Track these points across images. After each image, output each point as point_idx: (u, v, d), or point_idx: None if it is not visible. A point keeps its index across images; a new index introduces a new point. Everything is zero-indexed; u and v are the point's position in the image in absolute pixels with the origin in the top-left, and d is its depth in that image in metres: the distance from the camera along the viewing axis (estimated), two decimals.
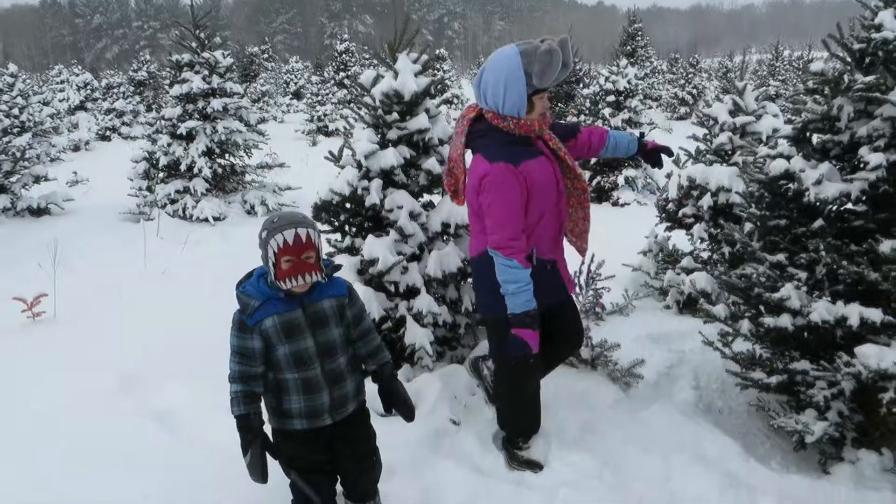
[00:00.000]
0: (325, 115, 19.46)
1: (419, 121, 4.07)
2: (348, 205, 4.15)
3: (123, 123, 20.90)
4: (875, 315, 3.30)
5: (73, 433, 3.68)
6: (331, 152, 4.38)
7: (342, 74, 23.63)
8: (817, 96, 3.71)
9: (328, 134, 19.34)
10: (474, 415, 3.89)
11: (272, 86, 31.74)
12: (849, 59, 3.64)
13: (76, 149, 18.26)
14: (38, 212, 9.10)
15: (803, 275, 3.61)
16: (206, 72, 8.78)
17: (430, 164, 4.11)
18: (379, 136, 4.14)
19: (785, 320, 3.52)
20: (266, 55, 40.29)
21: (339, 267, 2.71)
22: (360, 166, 4.06)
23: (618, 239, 7.48)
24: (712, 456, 3.56)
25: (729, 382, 4.19)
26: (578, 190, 3.37)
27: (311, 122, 19.46)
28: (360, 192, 4.04)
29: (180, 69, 8.81)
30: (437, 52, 27.62)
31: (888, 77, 3.40)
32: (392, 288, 4.03)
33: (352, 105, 4.55)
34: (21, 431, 3.73)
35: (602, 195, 10.65)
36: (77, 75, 25.31)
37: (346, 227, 4.36)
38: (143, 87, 27.04)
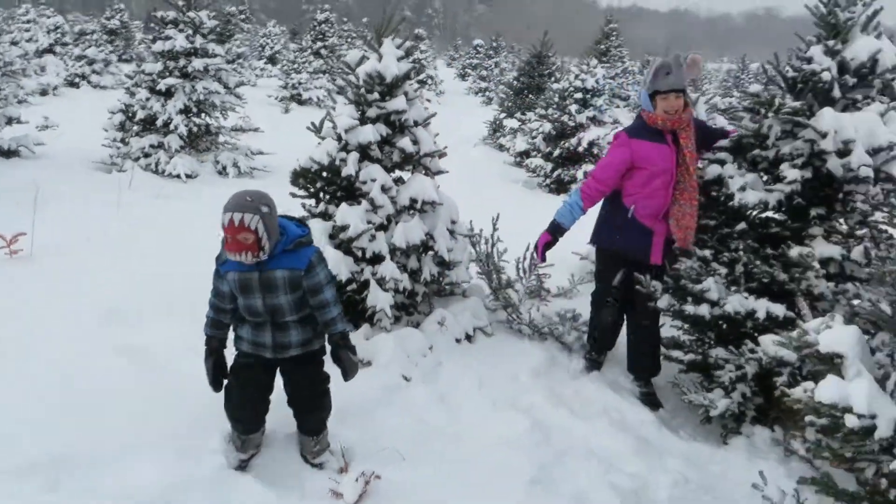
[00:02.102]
0: (300, 83, 19.55)
1: (397, 102, 4.42)
2: (325, 174, 4.49)
3: (94, 72, 20.62)
4: (779, 310, 3.81)
5: (51, 364, 3.96)
6: (313, 123, 4.70)
7: (319, 44, 23.61)
8: (752, 115, 4.18)
9: (301, 102, 19.43)
10: (424, 374, 4.30)
11: (247, 48, 31.45)
12: (782, 85, 4.13)
13: (44, 93, 18.01)
14: (9, 153, 9.17)
15: (724, 270, 4.10)
16: (191, 31, 8.93)
17: (404, 143, 4.47)
18: (359, 112, 4.48)
19: (703, 309, 4.00)
20: (244, 16, 39.78)
21: (303, 242, 3.02)
22: (339, 139, 4.41)
23: (575, 228, 7.96)
24: (630, 422, 4.05)
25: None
26: (689, 187, 4.08)
27: (284, 88, 19.52)
28: (337, 162, 4.38)
29: (164, 25, 8.95)
30: (416, 31, 27.78)
31: (814, 104, 3.89)
32: (360, 253, 4.39)
33: (335, 81, 4.86)
34: None
35: (561, 187, 11.12)
36: (48, 17, 24.77)
37: (321, 195, 4.70)
38: (115, 35, 26.58)
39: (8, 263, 5.35)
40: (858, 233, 4.02)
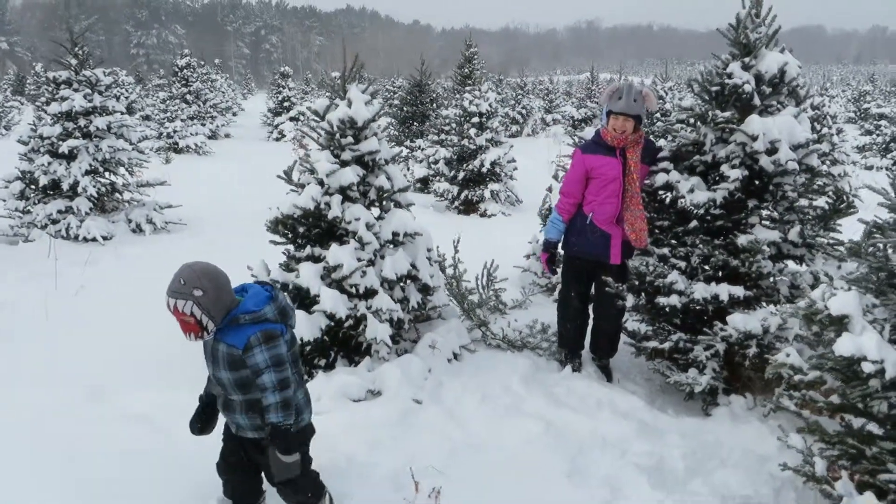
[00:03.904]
0: (174, 131, 18.99)
1: (371, 143, 4.67)
2: (309, 218, 4.63)
3: None
4: (739, 291, 4.39)
5: (55, 441, 3.85)
6: (284, 171, 4.83)
7: (184, 90, 23.00)
8: (688, 126, 4.79)
9: (178, 151, 18.85)
10: (431, 395, 4.53)
11: None
12: (707, 98, 4.75)
13: None
14: None
15: (682, 264, 4.65)
16: (88, 90, 8.63)
17: (381, 180, 4.72)
18: (334, 156, 4.67)
19: (674, 299, 4.52)
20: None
21: (251, 319, 2.80)
22: (321, 183, 4.58)
23: (491, 245, 8.44)
24: (625, 410, 4.48)
25: (621, 355, 5.18)
26: (635, 193, 4.65)
27: (159, 138, 18.89)
28: (322, 206, 4.55)
29: (57, 87, 8.59)
30: (282, 69, 27.67)
31: (734, 111, 4.53)
32: (353, 290, 4.57)
33: (301, 127, 5.01)
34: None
35: (470, 207, 11.63)
36: None
37: (299, 240, 4.83)
38: None
39: None
40: (787, 218, 4.70)
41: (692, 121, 4.74)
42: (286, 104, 26.03)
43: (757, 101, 4.52)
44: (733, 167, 4.47)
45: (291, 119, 25.19)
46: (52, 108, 8.46)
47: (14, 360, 4.88)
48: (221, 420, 3.17)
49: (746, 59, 4.54)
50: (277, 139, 24.86)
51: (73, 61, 8.67)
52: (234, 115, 36.53)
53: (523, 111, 30.24)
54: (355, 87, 4.72)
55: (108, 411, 4.29)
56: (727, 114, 4.44)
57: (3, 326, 5.42)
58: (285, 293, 3.10)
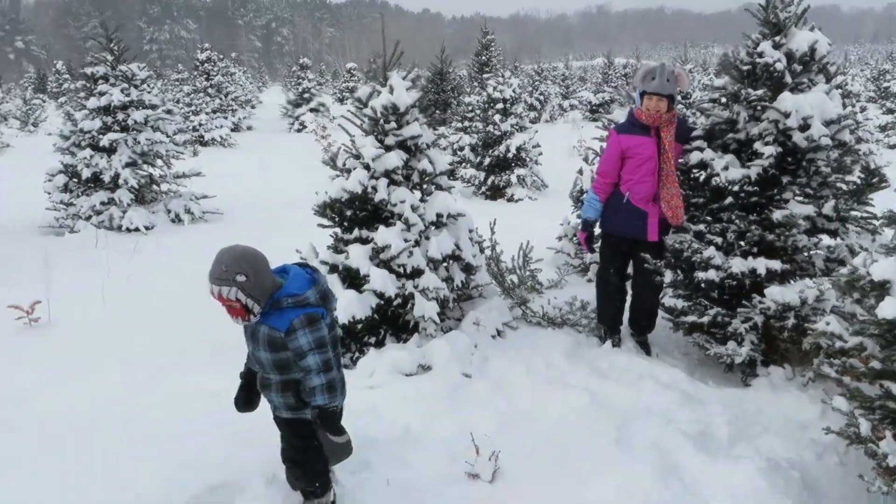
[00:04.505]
0: (200, 124, 19.28)
1: (412, 128, 4.84)
2: (356, 202, 4.83)
3: None
4: (776, 265, 4.53)
5: (131, 416, 4.10)
6: (331, 158, 5.02)
7: (206, 83, 23.28)
8: (720, 105, 4.92)
9: (204, 144, 19.14)
10: (478, 369, 4.72)
11: None
12: (738, 77, 4.87)
13: None
14: None
15: (718, 240, 4.79)
16: (125, 84, 8.88)
17: (424, 164, 4.90)
18: (378, 141, 4.86)
19: (712, 274, 4.66)
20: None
21: (293, 303, 2.82)
22: (367, 168, 4.76)
23: (520, 229, 8.57)
24: (667, 381, 4.65)
25: (658, 331, 5.33)
26: (670, 171, 4.80)
27: (185, 132, 19.17)
28: (368, 189, 4.74)
29: (95, 82, 8.84)
30: (301, 61, 27.87)
31: (765, 89, 4.65)
32: (400, 270, 4.76)
33: (345, 114, 5.18)
34: (77, 424, 4.08)
35: (497, 193, 11.79)
36: None
37: (346, 223, 5.02)
38: None
39: (29, 333, 5.30)
40: (820, 193, 4.82)
41: (724, 100, 4.87)
42: (306, 95, 26.24)
43: (788, 78, 4.63)
44: (766, 144, 4.59)
45: (312, 110, 25.44)
46: (91, 102, 8.72)
47: (80, 343, 5.13)
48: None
49: (777, 38, 4.65)
50: (299, 130, 25.10)
51: (109, 57, 8.90)
52: (253, 107, 36.86)
53: (541, 97, 30.20)
54: (396, 74, 4.89)
55: (176, 389, 4.51)
56: (759, 92, 4.56)
57: (66, 312, 5.67)
58: (325, 276, 3.19)
